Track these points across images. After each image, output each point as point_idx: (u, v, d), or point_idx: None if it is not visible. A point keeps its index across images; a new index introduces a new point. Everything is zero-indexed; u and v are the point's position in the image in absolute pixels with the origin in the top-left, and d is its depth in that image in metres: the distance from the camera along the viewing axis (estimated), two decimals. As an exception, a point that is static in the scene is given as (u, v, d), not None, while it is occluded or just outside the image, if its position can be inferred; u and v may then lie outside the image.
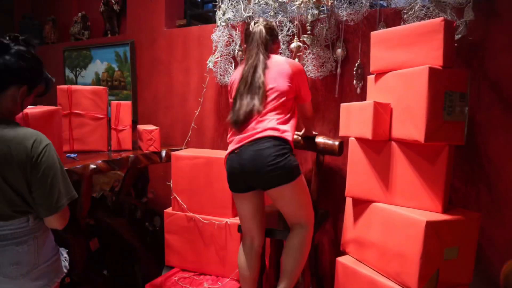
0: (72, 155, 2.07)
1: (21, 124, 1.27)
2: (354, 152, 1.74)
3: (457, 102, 1.50)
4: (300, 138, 2.03)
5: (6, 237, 1.20)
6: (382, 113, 1.59)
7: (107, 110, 2.29)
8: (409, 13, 1.83)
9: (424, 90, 1.43)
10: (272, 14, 2.21)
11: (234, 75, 1.78)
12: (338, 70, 2.14)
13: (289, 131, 1.59)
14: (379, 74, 1.70)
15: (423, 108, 1.44)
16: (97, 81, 3.49)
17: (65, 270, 1.37)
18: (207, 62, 2.50)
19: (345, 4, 2.03)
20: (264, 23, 1.73)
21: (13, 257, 1.20)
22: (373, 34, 1.72)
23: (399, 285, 1.52)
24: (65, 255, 1.40)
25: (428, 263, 1.44)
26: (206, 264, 2.11)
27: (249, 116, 1.60)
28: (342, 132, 1.78)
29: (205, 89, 2.61)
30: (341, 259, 1.81)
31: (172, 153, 2.18)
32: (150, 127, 2.36)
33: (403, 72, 1.56)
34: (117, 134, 2.33)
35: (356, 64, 2.07)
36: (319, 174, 2.10)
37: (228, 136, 1.73)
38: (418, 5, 1.80)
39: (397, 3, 1.96)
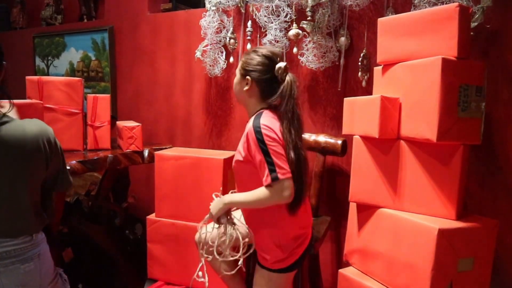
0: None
1: None
2: (359, 152, 1.74)
3: (472, 97, 1.50)
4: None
5: (10, 255, 1.19)
6: (390, 108, 1.59)
7: (83, 104, 2.27)
8: (421, -3, 1.84)
9: (437, 83, 1.44)
10: (268, -3, 2.21)
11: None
12: (342, 60, 2.14)
13: None
14: (387, 66, 1.71)
15: (435, 103, 1.44)
16: (72, 71, 3.46)
17: None
18: (195, 51, 2.49)
19: (350, -13, 2.03)
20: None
21: (19, 278, 1.20)
22: (381, 21, 1.72)
23: (408, 300, 1.53)
24: (64, 275, 1.42)
25: (440, 275, 1.45)
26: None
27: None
28: (345, 130, 1.78)
29: (193, 82, 2.60)
30: (344, 271, 1.82)
31: (156, 152, 2.17)
32: (131, 123, 2.35)
33: (413, 63, 1.56)
34: (94, 131, 2.30)
35: (362, 54, 2.08)
36: (320, 176, 2.10)
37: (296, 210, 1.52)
38: (430, -11, 1.80)
39: (407, -14, 1.97)
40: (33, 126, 1.24)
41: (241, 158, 1.52)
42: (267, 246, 1.55)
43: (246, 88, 1.58)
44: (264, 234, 1.55)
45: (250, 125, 1.51)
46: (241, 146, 1.54)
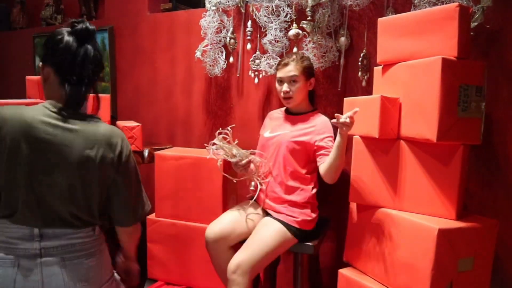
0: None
1: None
2: (359, 152, 1.74)
3: (473, 97, 1.50)
4: None
5: (75, 248, 1.18)
6: (390, 108, 1.59)
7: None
8: (421, -3, 1.84)
9: (437, 83, 1.44)
10: (268, -3, 2.21)
11: None
12: (342, 60, 2.14)
13: None
14: (387, 66, 1.71)
15: (435, 103, 1.44)
16: (72, 71, 3.45)
17: None
18: (195, 51, 2.49)
19: (350, -13, 2.03)
20: None
21: (83, 272, 1.19)
22: (381, 20, 1.72)
23: (408, 300, 1.53)
24: (117, 276, 1.41)
25: (440, 275, 1.45)
26: (193, 277, 2.11)
27: None
28: (345, 130, 1.78)
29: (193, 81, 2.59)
30: (343, 271, 1.82)
31: (156, 152, 2.17)
32: (131, 123, 2.35)
33: (413, 63, 1.57)
34: (94, 131, 2.30)
35: (362, 54, 2.08)
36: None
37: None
38: (431, -11, 1.80)
39: (407, -14, 1.97)
40: (116, 130, 1.28)
41: (312, 142, 1.85)
42: (302, 205, 1.83)
43: (310, 88, 1.97)
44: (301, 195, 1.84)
45: (324, 118, 1.92)
46: (316, 134, 1.86)
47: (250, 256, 1.68)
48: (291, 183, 1.85)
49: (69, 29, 1.19)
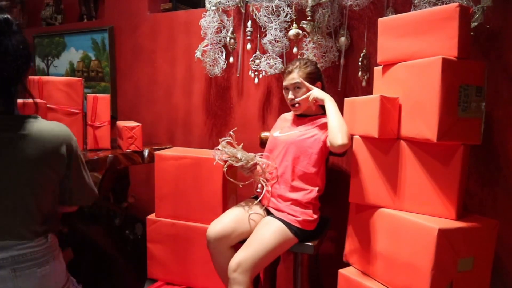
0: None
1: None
2: (359, 152, 1.74)
3: (473, 97, 1.50)
4: None
5: (26, 258, 1.14)
6: (389, 108, 1.59)
7: (83, 104, 2.27)
8: (421, -3, 1.84)
9: (437, 83, 1.44)
10: (268, -3, 2.21)
11: None
12: (342, 60, 2.14)
13: None
14: (387, 66, 1.71)
15: (435, 103, 1.44)
16: (72, 71, 3.45)
17: None
18: (195, 51, 2.49)
19: (350, -13, 2.03)
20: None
21: (36, 282, 1.16)
22: (381, 20, 1.72)
23: (408, 300, 1.53)
24: (73, 279, 1.38)
25: (440, 275, 1.45)
26: (193, 277, 2.11)
27: None
28: (345, 130, 1.78)
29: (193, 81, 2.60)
30: (344, 271, 1.82)
31: (156, 152, 2.17)
32: (131, 123, 2.35)
33: (413, 63, 1.57)
34: (94, 131, 2.30)
35: (362, 54, 2.08)
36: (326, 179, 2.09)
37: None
38: (431, -11, 1.80)
39: (407, -14, 1.97)
40: (60, 125, 1.20)
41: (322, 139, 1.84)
42: (304, 205, 1.83)
43: None
44: (303, 196, 1.84)
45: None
46: (321, 129, 1.87)
47: (251, 254, 1.68)
48: (297, 183, 1.85)
49: None
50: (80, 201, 1.33)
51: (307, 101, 1.86)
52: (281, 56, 2.30)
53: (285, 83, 1.92)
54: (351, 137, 1.74)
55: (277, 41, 2.24)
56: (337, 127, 1.70)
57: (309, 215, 1.82)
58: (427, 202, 1.56)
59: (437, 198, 1.54)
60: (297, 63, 1.91)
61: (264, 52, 2.34)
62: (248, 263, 1.66)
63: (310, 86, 1.86)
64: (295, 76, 1.87)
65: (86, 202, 1.35)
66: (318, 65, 2.12)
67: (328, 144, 1.73)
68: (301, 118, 1.97)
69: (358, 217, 1.79)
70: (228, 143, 1.84)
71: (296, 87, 1.88)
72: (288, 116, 2.08)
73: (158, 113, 2.93)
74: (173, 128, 2.86)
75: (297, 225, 1.78)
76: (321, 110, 1.93)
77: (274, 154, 1.93)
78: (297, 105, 1.90)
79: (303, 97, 1.86)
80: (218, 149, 1.84)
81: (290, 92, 1.90)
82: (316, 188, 1.85)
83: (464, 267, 1.50)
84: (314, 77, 1.90)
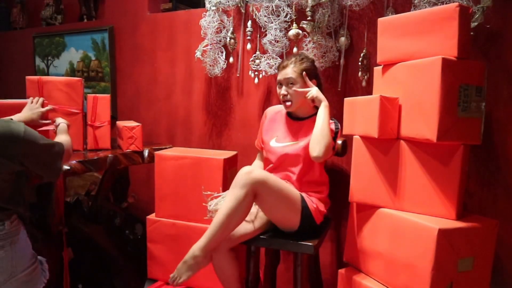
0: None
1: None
2: (359, 152, 1.74)
3: (473, 97, 1.50)
4: None
5: None
6: (389, 108, 1.59)
7: (83, 104, 2.27)
8: (421, -3, 1.84)
9: (437, 83, 1.44)
10: (268, -3, 2.21)
11: None
12: (342, 60, 2.14)
13: None
14: (387, 66, 1.71)
15: (435, 103, 1.44)
16: (72, 71, 3.46)
17: (44, 281, 1.39)
18: (195, 51, 2.49)
19: (350, -13, 2.03)
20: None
21: None
22: (381, 20, 1.72)
23: (408, 300, 1.53)
24: (45, 264, 1.42)
25: (440, 275, 1.45)
26: (193, 277, 2.10)
27: None
28: (345, 130, 1.79)
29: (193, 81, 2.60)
30: (344, 271, 1.82)
31: (156, 152, 2.16)
32: (131, 123, 2.35)
33: (413, 63, 1.57)
34: (94, 131, 2.31)
35: (362, 54, 2.07)
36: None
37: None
38: (430, -11, 1.80)
39: (407, -14, 1.97)
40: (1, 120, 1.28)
41: None
42: (318, 198, 1.85)
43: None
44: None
45: None
46: None
47: (267, 179, 1.66)
48: (304, 189, 1.85)
49: None
50: (49, 177, 1.45)
51: (300, 97, 1.84)
52: (281, 56, 2.30)
53: (278, 78, 1.89)
54: (332, 148, 1.75)
55: (277, 41, 2.24)
56: (318, 138, 1.71)
57: (321, 207, 1.83)
58: (427, 202, 1.56)
59: (437, 198, 1.54)
60: (293, 59, 1.88)
61: (264, 52, 2.34)
62: (258, 179, 1.63)
63: (310, 83, 1.85)
64: (290, 71, 1.84)
65: (55, 176, 1.46)
66: (317, 64, 2.12)
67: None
68: (296, 123, 1.93)
69: (358, 217, 1.79)
70: (213, 198, 1.84)
71: (290, 82, 1.84)
72: (278, 115, 2.02)
73: (158, 113, 2.93)
74: (173, 128, 2.86)
75: (311, 208, 1.77)
76: (315, 110, 1.88)
77: (275, 165, 1.91)
78: (288, 103, 1.87)
79: (300, 90, 1.83)
80: (211, 212, 1.81)
81: (283, 88, 1.86)
82: (324, 187, 1.87)
83: (464, 267, 1.50)
84: (309, 74, 1.86)
